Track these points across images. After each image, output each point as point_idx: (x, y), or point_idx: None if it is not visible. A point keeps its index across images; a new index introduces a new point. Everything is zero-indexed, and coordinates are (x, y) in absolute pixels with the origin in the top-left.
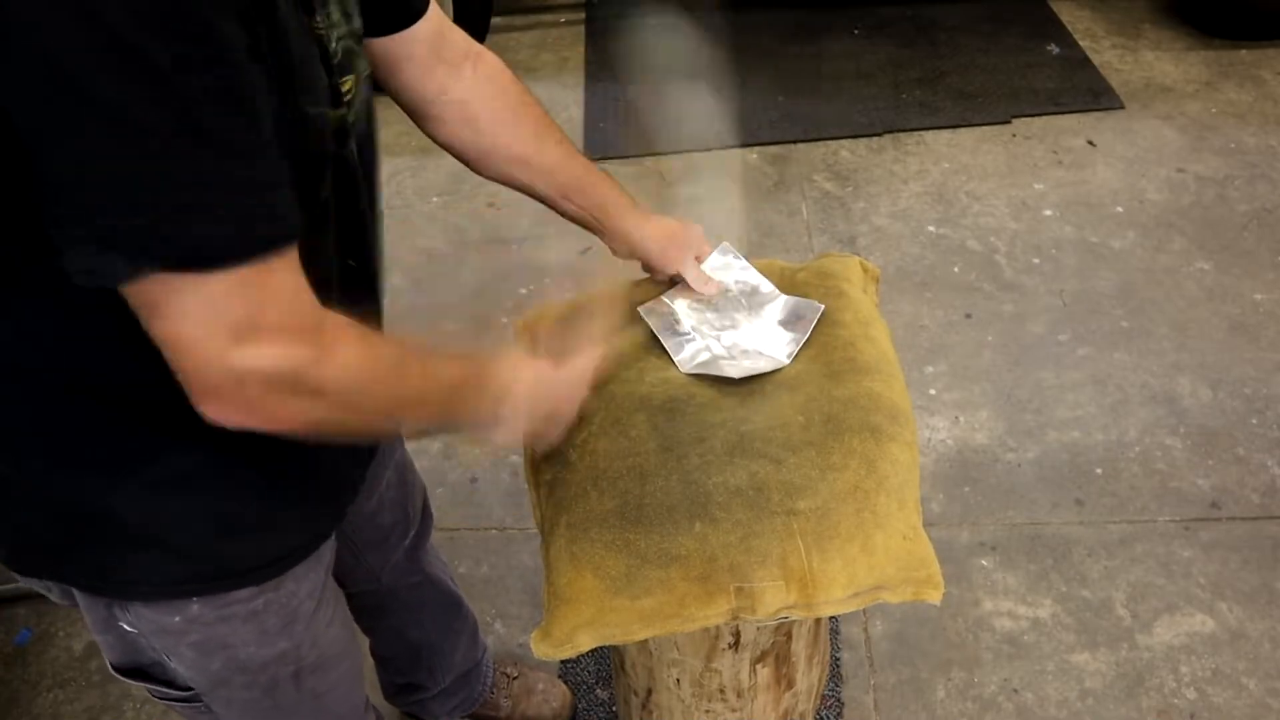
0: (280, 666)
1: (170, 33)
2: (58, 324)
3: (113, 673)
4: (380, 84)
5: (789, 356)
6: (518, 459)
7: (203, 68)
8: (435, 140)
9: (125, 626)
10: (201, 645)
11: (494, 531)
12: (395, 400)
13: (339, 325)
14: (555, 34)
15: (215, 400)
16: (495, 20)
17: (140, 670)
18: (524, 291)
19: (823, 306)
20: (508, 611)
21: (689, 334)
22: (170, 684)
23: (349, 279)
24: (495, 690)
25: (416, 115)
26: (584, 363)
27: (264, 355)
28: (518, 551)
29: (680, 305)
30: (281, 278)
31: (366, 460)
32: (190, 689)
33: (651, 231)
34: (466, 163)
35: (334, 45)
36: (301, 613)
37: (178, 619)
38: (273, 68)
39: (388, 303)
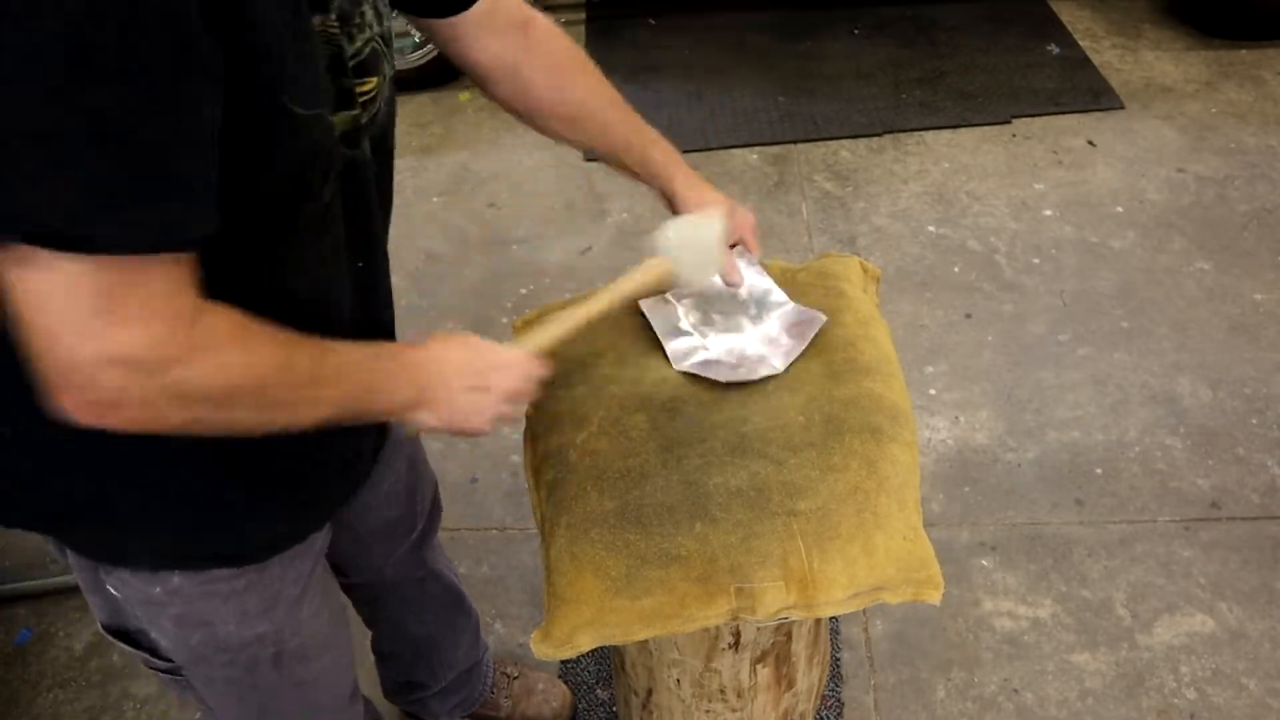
0: (260, 648)
1: (79, 15)
2: None
3: (102, 631)
4: (442, 53)
5: (784, 366)
6: (517, 459)
7: (114, 59)
8: (494, 100)
9: (111, 590)
10: (181, 619)
11: (494, 531)
12: (281, 399)
13: (217, 324)
14: None
15: (69, 392)
16: None
17: (127, 634)
18: (524, 291)
19: (825, 319)
20: (508, 611)
21: (689, 332)
22: (156, 653)
23: (358, 281)
24: (495, 690)
25: (474, 79)
26: (516, 353)
27: (118, 346)
28: (518, 551)
29: (685, 303)
30: (165, 276)
31: (368, 455)
32: (174, 661)
33: (698, 199)
34: (522, 120)
35: (356, 45)
36: (284, 598)
37: (159, 590)
38: (238, 66)
39: None
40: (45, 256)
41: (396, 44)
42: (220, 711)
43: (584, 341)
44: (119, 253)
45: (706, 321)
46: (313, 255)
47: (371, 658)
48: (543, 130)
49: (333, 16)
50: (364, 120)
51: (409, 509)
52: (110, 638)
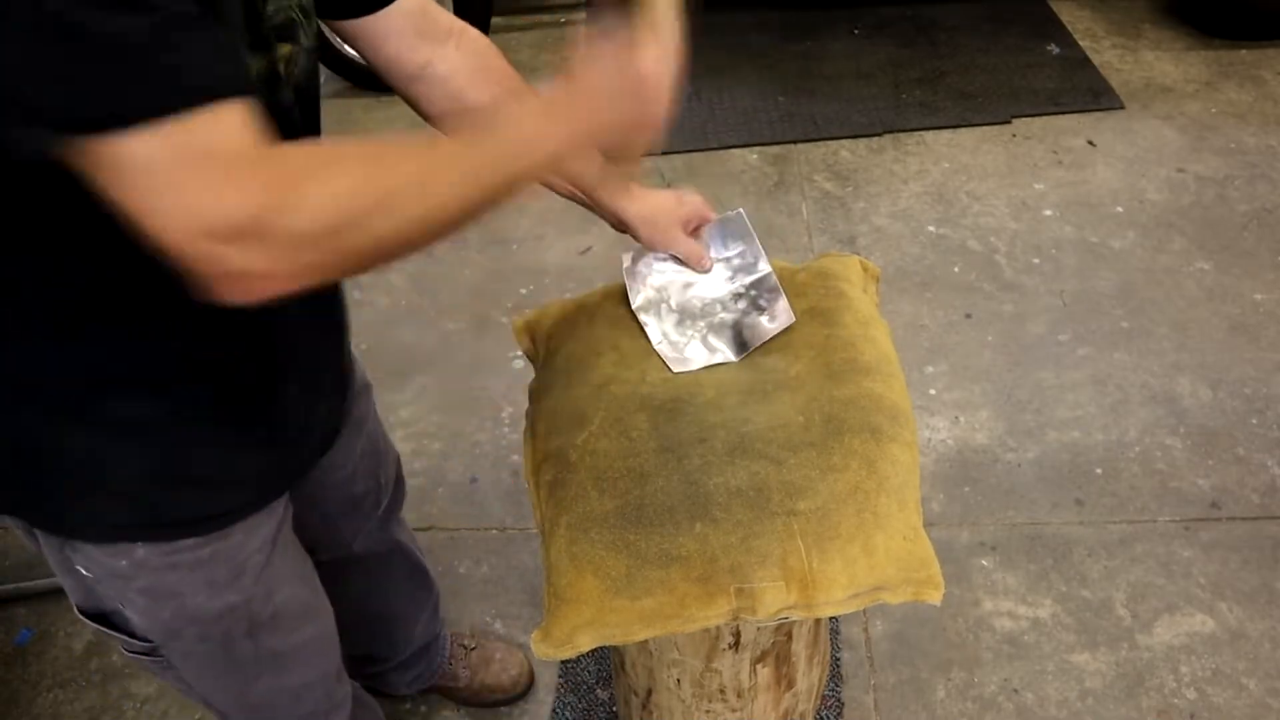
0: (232, 620)
1: None
2: (9, 262)
3: (79, 615)
4: (367, 60)
5: (738, 354)
6: (517, 459)
7: None
8: (420, 113)
9: (81, 570)
10: (150, 592)
11: (494, 531)
12: (404, 196)
13: (297, 158)
14: (555, 34)
15: (205, 278)
16: (495, 20)
17: (104, 617)
18: (524, 291)
19: (792, 320)
20: (508, 611)
21: (676, 342)
22: (133, 634)
23: None
24: (453, 661)
25: (401, 90)
26: (649, 55)
27: (224, 209)
28: (518, 551)
29: (673, 316)
30: (222, 130)
31: (328, 422)
32: (151, 640)
33: (639, 209)
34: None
35: (270, 8)
36: (250, 565)
37: (125, 563)
38: None
39: (388, 302)
40: (114, 144)
41: None
42: (201, 689)
43: (584, 341)
44: (171, 113)
45: (688, 325)
46: None
47: None
48: None
49: None
50: (282, 71)
51: (374, 484)
52: (86, 620)
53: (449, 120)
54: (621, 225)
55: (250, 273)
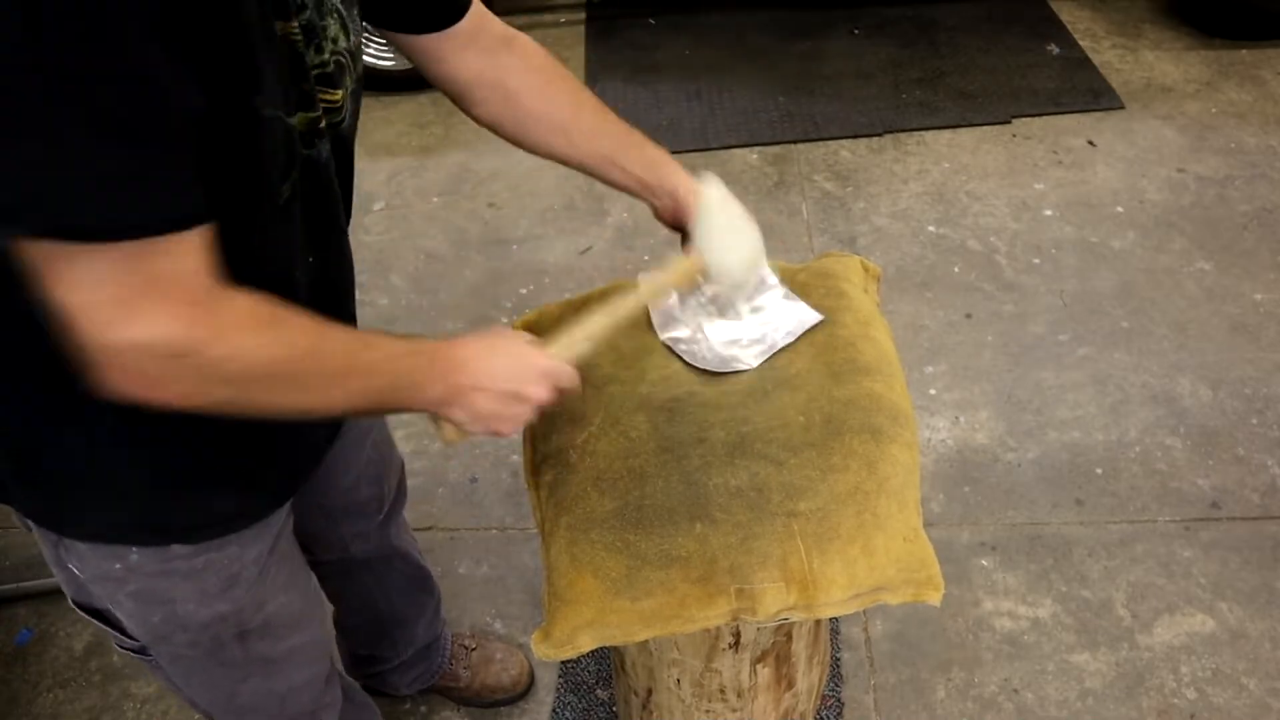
0: (222, 628)
1: (63, 14)
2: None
3: (72, 606)
4: (423, 74)
5: (756, 363)
6: (517, 459)
7: (96, 52)
8: (478, 121)
9: (73, 569)
10: (141, 596)
11: (494, 531)
12: (311, 385)
13: (241, 308)
14: (555, 34)
15: (108, 373)
16: None
17: (97, 612)
18: (524, 291)
19: (820, 318)
20: (508, 611)
21: (680, 318)
22: (124, 630)
23: (311, 274)
24: (454, 661)
25: (457, 99)
26: (554, 361)
27: (145, 330)
28: (518, 551)
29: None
30: (173, 258)
31: (329, 435)
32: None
33: (699, 187)
34: (510, 139)
35: (323, 57)
36: (244, 577)
37: (118, 566)
38: (221, 65)
39: (388, 302)
40: (63, 248)
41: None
42: (188, 690)
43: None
44: (128, 238)
45: (701, 309)
46: (270, 250)
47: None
48: (531, 144)
49: (294, 24)
50: (323, 124)
51: (378, 490)
52: (80, 612)
53: (499, 123)
54: (678, 204)
55: (157, 386)
